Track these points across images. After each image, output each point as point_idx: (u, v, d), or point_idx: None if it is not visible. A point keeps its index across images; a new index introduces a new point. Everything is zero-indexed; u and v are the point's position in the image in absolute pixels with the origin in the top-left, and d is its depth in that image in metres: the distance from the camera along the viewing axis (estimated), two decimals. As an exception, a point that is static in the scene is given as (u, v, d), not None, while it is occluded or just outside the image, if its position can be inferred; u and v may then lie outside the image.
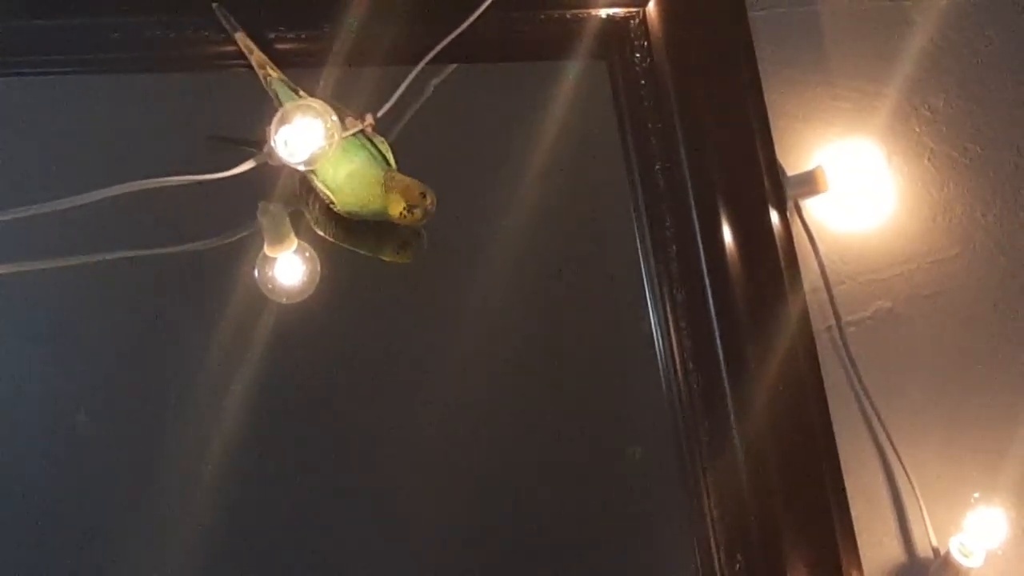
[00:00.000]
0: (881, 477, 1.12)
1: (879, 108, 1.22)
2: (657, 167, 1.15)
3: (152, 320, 1.13)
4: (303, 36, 1.16)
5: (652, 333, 1.13)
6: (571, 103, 1.18)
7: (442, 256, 1.15)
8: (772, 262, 1.12)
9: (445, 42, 1.15)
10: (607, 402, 1.13)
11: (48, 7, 1.15)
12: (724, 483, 1.07)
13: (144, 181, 1.07)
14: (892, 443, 1.12)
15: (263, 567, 1.06)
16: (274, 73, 1.12)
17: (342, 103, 1.11)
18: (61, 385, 1.10)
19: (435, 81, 1.18)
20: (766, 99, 1.17)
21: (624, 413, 1.13)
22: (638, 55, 1.18)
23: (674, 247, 1.13)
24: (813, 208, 1.18)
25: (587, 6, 1.18)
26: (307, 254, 1.11)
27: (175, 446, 1.07)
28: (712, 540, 1.06)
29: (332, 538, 1.07)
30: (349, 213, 1.11)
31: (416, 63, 1.15)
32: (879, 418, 1.13)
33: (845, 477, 1.07)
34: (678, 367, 1.11)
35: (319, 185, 1.10)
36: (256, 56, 1.13)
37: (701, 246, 1.12)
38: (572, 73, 1.19)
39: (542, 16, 1.18)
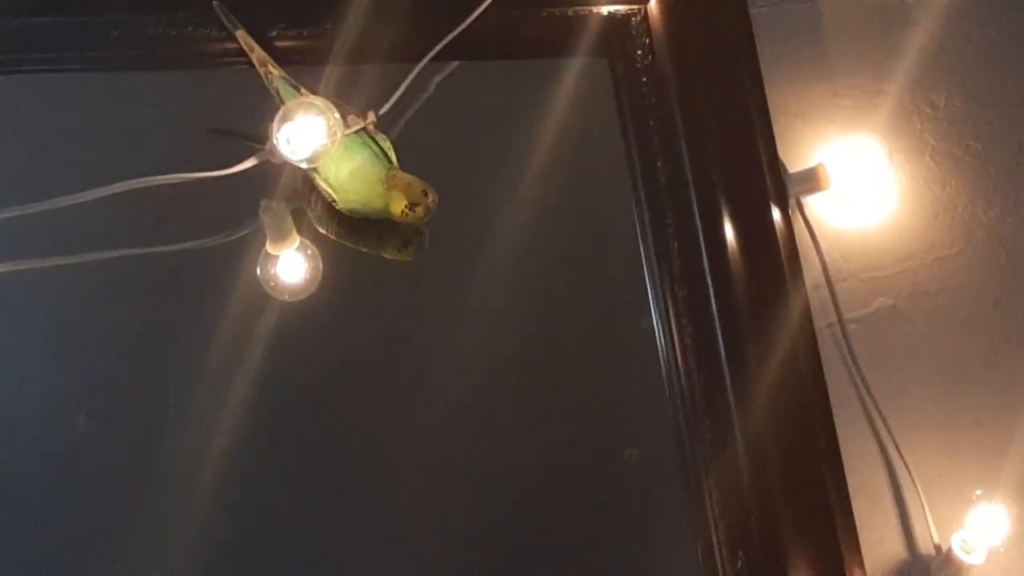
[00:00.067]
0: (883, 474, 1.12)
1: (880, 105, 1.22)
2: (659, 164, 1.15)
3: (153, 318, 1.13)
4: (304, 34, 1.16)
5: (653, 331, 1.13)
6: (572, 101, 1.18)
7: (444, 253, 1.15)
8: (774, 259, 1.12)
9: (447, 40, 1.15)
10: (608, 400, 1.13)
11: (49, 5, 1.15)
12: (726, 481, 1.07)
13: (146, 179, 1.07)
14: (894, 440, 1.12)
15: (263, 567, 1.06)
16: (275, 71, 1.12)
17: (343, 101, 1.11)
18: (61, 385, 1.10)
19: (437, 79, 1.18)
20: (768, 96, 1.17)
21: (625, 411, 1.14)
22: (639, 52, 1.18)
23: (675, 245, 1.13)
24: (815, 205, 1.18)
25: (589, 3, 1.18)
26: (309, 252, 1.10)
27: (175, 446, 1.07)
28: (714, 538, 1.06)
29: (332, 538, 1.07)
30: (351, 211, 1.11)
31: (418, 61, 1.15)
32: (881, 415, 1.13)
33: (847, 474, 1.07)
34: (679, 365, 1.11)
35: (321, 183, 1.10)
36: (257, 54, 1.13)
37: (703, 244, 1.12)
38: (573, 70, 1.19)
39: (544, 13, 1.18)
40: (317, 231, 1.13)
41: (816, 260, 1.16)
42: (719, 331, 1.10)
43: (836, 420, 1.09)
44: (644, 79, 1.17)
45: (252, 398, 1.08)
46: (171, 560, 1.04)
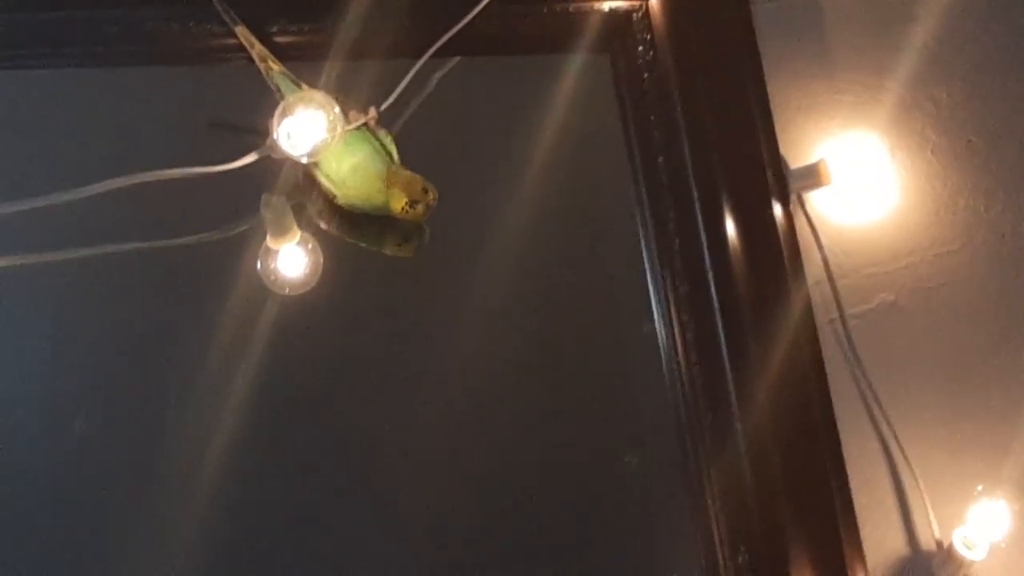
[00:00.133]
0: (884, 470, 1.12)
1: (882, 101, 1.22)
2: (660, 160, 1.15)
3: (153, 314, 1.12)
4: (305, 30, 1.16)
5: (655, 327, 1.13)
6: (574, 97, 1.18)
7: (445, 249, 1.15)
8: (775, 255, 1.12)
9: (448, 35, 1.15)
10: (609, 397, 1.13)
11: (49, 0, 1.14)
12: (727, 477, 1.07)
13: (146, 174, 1.07)
14: (895, 436, 1.12)
15: (263, 567, 1.06)
16: (275, 67, 1.12)
17: (344, 97, 1.11)
18: (62, 381, 1.10)
19: (438, 75, 1.18)
20: (769, 92, 1.17)
21: (627, 408, 1.13)
22: (641, 48, 1.18)
23: (677, 241, 1.13)
24: (816, 201, 1.18)
25: (590, -1, 1.19)
26: (310, 246, 1.10)
27: (175, 444, 1.07)
28: (715, 534, 1.06)
29: (332, 538, 1.07)
30: (351, 207, 1.11)
31: (418, 57, 1.15)
32: (882, 411, 1.13)
33: (848, 470, 1.07)
34: (681, 361, 1.11)
35: (322, 179, 1.10)
36: (257, 49, 1.13)
37: (704, 240, 1.12)
38: (575, 67, 1.19)
39: (545, 10, 1.18)
40: (318, 226, 1.13)
41: (817, 256, 1.16)
42: (720, 327, 1.10)
43: (837, 416, 1.09)
44: (645, 75, 1.17)
45: (252, 395, 1.08)
46: (171, 560, 1.04)
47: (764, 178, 1.14)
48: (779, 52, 1.21)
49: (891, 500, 1.11)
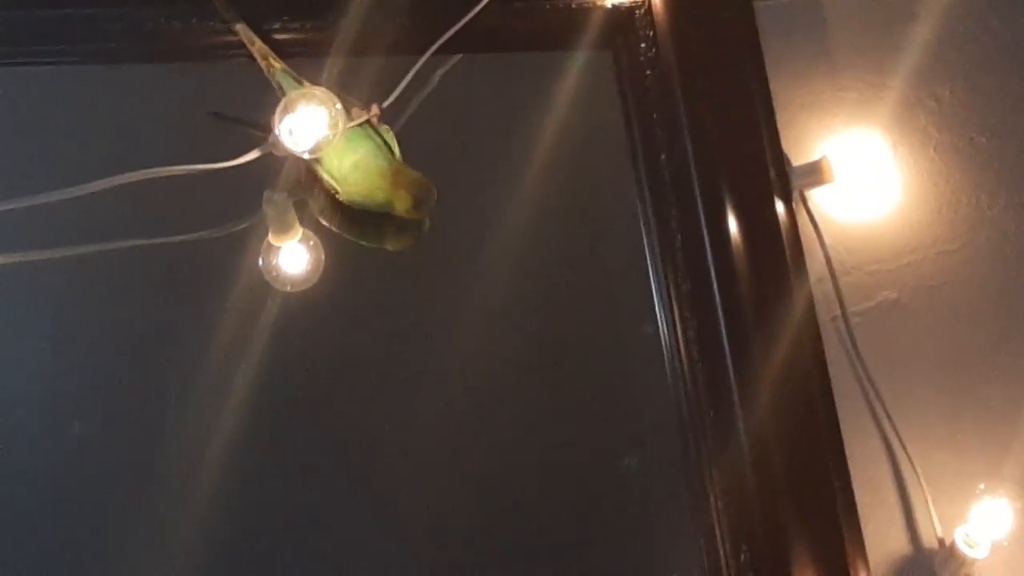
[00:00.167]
0: (886, 468, 1.12)
1: (884, 99, 1.22)
2: (662, 158, 1.15)
3: (154, 312, 1.12)
4: (307, 26, 1.16)
5: (657, 324, 1.13)
6: (576, 93, 1.18)
7: (446, 247, 1.15)
8: (777, 253, 1.12)
9: (450, 32, 1.15)
10: (611, 395, 1.13)
11: (50, -3, 1.15)
12: (729, 475, 1.07)
13: (148, 171, 1.07)
14: (897, 434, 1.12)
15: (263, 567, 1.06)
16: (277, 64, 1.12)
17: (346, 94, 1.11)
18: (62, 381, 1.10)
19: (440, 71, 1.18)
20: (771, 90, 1.16)
21: (629, 406, 1.13)
22: (643, 45, 1.17)
23: (679, 238, 1.13)
24: (818, 199, 1.18)
25: (592, -4, 1.18)
26: (311, 243, 1.10)
27: (175, 443, 1.07)
28: (717, 532, 1.06)
29: (332, 538, 1.06)
30: (353, 203, 1.11)
31: (420, 54, 1.15)
32: (884, 409, 1.13)
33: (850, 468, 1.07)
34: (683, 358, 1.11)
35: (324, 175, 1.10)
36: (258, 47, 1.13)
37: (706, 237, 1.12)
38: (577, 63, 1.19)
39: (547, 6, 1.18)
40: (319, 222, 1.13)
41: (820, 253, 1.16)
42: (723, 325, 1.10)
43: (840, 414, 1.09)
44: (648, 72, 1.17)
45: (253, 393, 1.08)
46: (171, 560, 1.03)
47: (766, 176, 1.14)
48: (781, 50, 1.21)
49: (893, 498, 1.11)
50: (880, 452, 1.12)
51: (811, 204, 1.17)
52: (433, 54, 1.15)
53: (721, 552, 1.06)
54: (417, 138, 1.13)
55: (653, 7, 1.17)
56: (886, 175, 1.20)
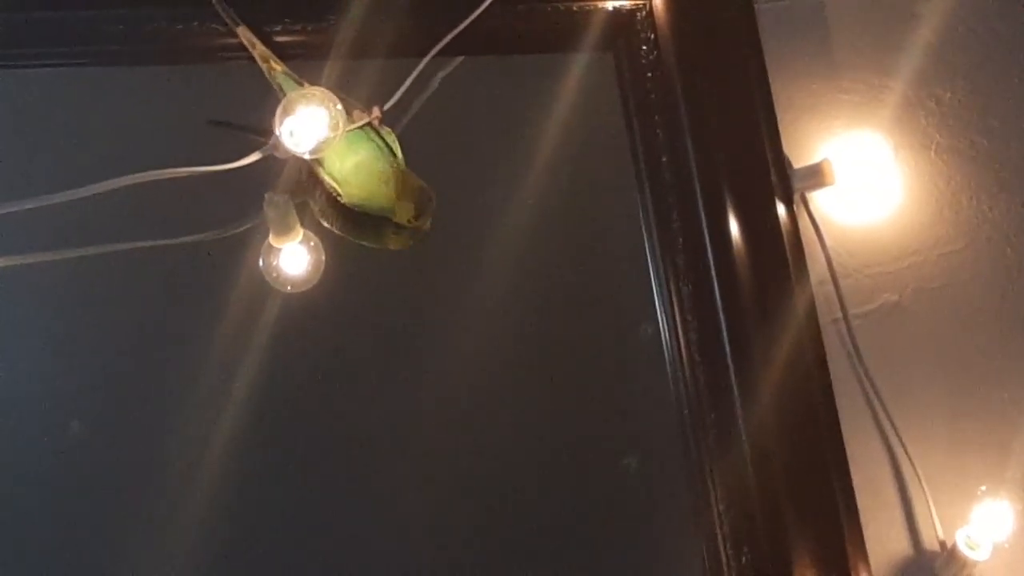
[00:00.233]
0: (887, 470, 1.12)
1: (885, 101, 1.22)
2: (663, 160, 1.15)
3: (155, 312, 1.12)
4: (308, 28, 1.16)
5: (658, 325, 1.13)
6: (577, 96, 1.18)
7: (448, 248, 1.15)
8: (778, 255, 1.12)
9: (452, 35, 1.15)
10: (612, 396, 1.13)
11: (51, 0, 1.14)
12: (730, 477, 1.07)
13: (149, 173, 1.07)
14: (899, 436, 1.12)
15: (263, 567, 1.06)
16: (278, 67, 1.12)
17: (347, 96, 1.11)
18: (62, 381, 1.10)
19: (441, 74, 1.17)
20: (772, 92, 1.16)
21: (629, 407, 1.13)
22: (644, 47, 1.17)
23: (680, 240, 1.13)
24: (820, 201, 1.18)
25: (593, -2, 1.18)
26: (312, 243, 1.10)
27: (176, 443, 1.07)
28: (718, 534, 1.06)
29: (332, 537, 1.06)
30: (355, 206, 1.11)
31: (421, 56, 1.15)
32: (885, 411, 1.13)
33: (851, 470, 1.07)
34: (684, 360, 1.11)
35: (326, 177, 1.10)
36: (259, 50, 1.13)
37: (707, 239, 1.12)
38: (578, 65, 1.19)
39: (548, 8, 1.18)
40: (320, 224, 1.13)
41: (821, 256, 1.16)
42: (724, 327, 1.10)
43: (841, 416, 1.09)
44: (649, 74, 1.17)
45: (253, 393, 1.08)
46: (171, 560, 1.03)
47: (768, 178, 1.14)
48: (782, 52, 1.21)
49: (894, 500, 1.11)
50: (881, 454, 1.12)
51: (812, 206, 1.17)
52: (434, 56, 1.15)
53: (722, 553, 1.06)
54: (418, 140, 1.13)
55: (654, 9, 1.17)
56: (887, 177, 1.19)
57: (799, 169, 1.16)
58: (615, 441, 1.11)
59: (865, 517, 1.06)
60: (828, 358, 1.10)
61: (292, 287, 1.10)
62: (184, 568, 1.03)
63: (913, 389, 1.14)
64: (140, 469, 1.06)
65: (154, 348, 1.11)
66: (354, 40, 1.15)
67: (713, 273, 1.11)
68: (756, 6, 1.19)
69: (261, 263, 1.09)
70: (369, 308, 1.14)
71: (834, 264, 1.16)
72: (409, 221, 1.10)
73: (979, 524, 1.07)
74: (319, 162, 1.09)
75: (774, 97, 1.17)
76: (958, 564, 1.07)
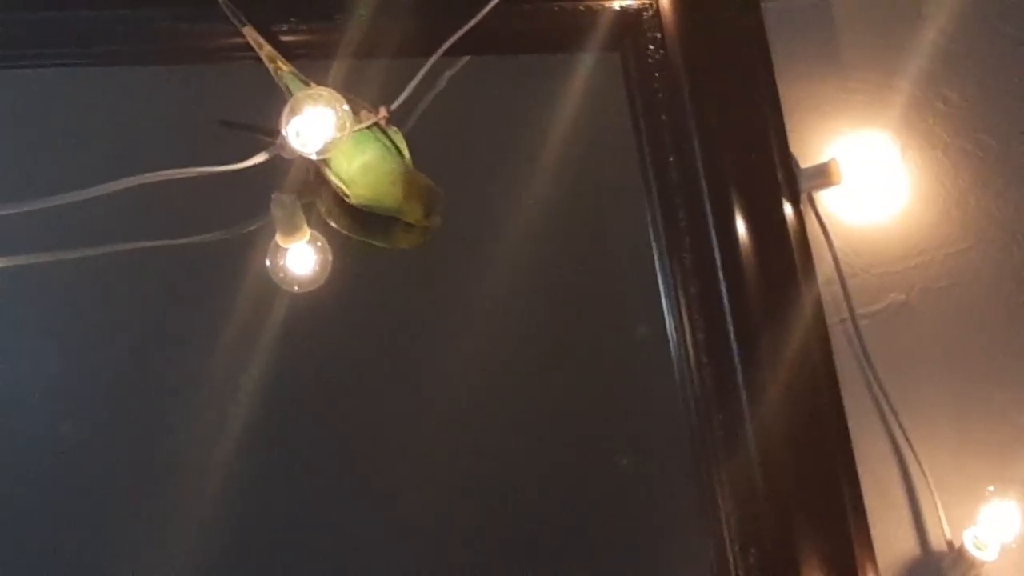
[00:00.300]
0: (895, 470, 1.12)
1: (893, 100, 1.22)
2: (670, 159, 1.15)
3: (162, 312, 1.12)
4: (315, 28, 1.16)
5: (665, 326, 1.13)
6: (584, 95, 1.18)
7: (454, 248, 1.15)
8: (786, 255, 1.12)
9: (459, 34, 1.14)
10: (619, 397, 1.13)
11: (57, 0, 1.14)
12: (737, 477, 1.07)
13: (156, 173, 1.07)
14: (906, 436, 1.12)
15: (265, 567, 1.06)
16: (284, 67, 1.12)
17: (354, 96, 1.11)
18: (67, 381, 1.10)
19: (448, 73, 1.17)
20: (779, 91, 1.16)
21: (637, 407, 1.13)
22: (651, 47, 1.17)
23: (687, 240, 1.13)
24: (827, 200, 1.18)
25: (600, -2, 1.18)
26: (319, 243, 1.11)
27: (182, 442, 1.07)
28: (725, 534, 1.06)
29: (334, 537, 1.06)
30: (363, 206, 1.11)
31: (428, 56, 1.15)
32: (893, 411, 1.13)
33: (859, 470, 1.07)
34: (691, 360, 1.11)
35: (332, 178, 1.10)
36: (266, 50, 1.12)
37: (715, 239, 1.12)
38: (585, 65, 1.19)
39: (555, 8, 1.18)
40: (327, 224, 1.13)
41: (828, 255, 1.16)
42: (731, 327, 1.10)
43: (848, 416, 1.09)
44: (656, 74, 1.17)
45: (260, 393, 1.08)
46: (172, 560, 1.03)
47: (775, 177, 1.14)
48: (789, 51, 1.21)
49: (902, 500, 1.11)
50: (889, 454, 1.12)
51: (819, 206, 1.17)
52: (441, 56, 1.15)
53: (730, 554, 1.06)
54: (425, 140, 1.13)
55: (661, 9, 1.17)
56: (894, 177, 1.19)
57: (806, 169, 1.16)
58: (622, 442, 1.11)
59: (872, 517, 1.06)
60: (835, 358, 1.10)
61: (299, 287, 1.10)
62: (184, 568, 1.03)
63: (921, 389, 1.14)
64: (141, 469, 1.06)
65: (159, 348, 1.11)
66: (361, 40, 1.15)
67: (720, 273, 1.11)
68: (763, 6, 1.19)
69: (268, 263, 1.09)
70: (376, 308, 1.14)
71: (841, 264, 1.16)
72: (416, 221, 1.11)
73: (987, 524, 1.07)
74: (326, 162, 1.09)
75: (781, 97, 1.17)
76: (966, 564, 1.06)
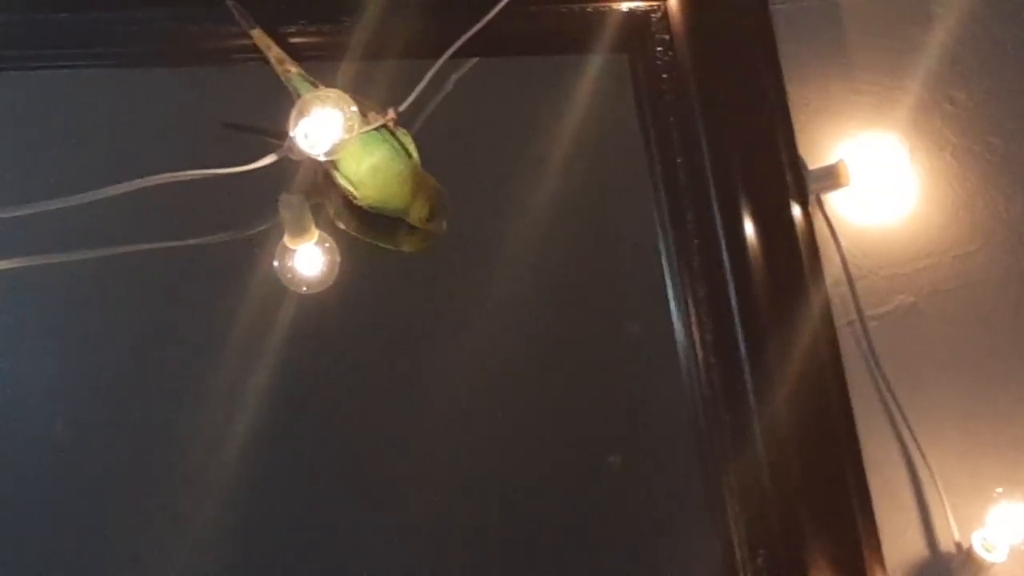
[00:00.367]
0: (903, 471, 1.12)
1: (901, 102, 1.22)
2: (678, 161, 1.15)
3: (170, 313, 1.13)
4: (324, 30, 1.16)
5: (673, 328, 1.13)
6: (592, 97, 1.18)
7: (462, 249, 1.15)
8: (794, 256, 1.12)
9: (467, 36, 1.15)
10: (628, 397, 1.13)
11: (66, 1, 1.15)
12: (745, 478, 1.07)
13: (166, 175, 1.07)
14: (914, 437, 1.12)
15: (266, 567, 1.06)
16: (293, 69, 1.12)
17: (362, 97, 1.11)
18: (73, 381, 1.10)
19: (456, 75, 1.17)
20: (787, 93, 1.17)
21: (645, 408, 1.13)
22: (659, 49, 1.18)
23: (695, 241, 1.13)
24: (835, 202, 1.18)
25: (608, 0, 1.18)
26: (327, 245, 1.11)
27: (189, 444, 1.07)
28: (734, 534, 1.06)
29: (337, 537, 1.07)
30: (371, 207, 1.11)
31: (436, 57, 1.15)
32: (901, 413, 1.13)
33: (867, 472, 1.07)
34: (699, 362, 1.11)
35: (341, 180, 1.10)
36: (274, 52, 1.13)
37: (723, 241, 1.12)
38: (593, 67, 1.19)
39: (563, 10, 1.18)
40: (334, 225, 1.13)
41: (836, 257, 1.16)
42: (739, 328, 1.10)
43: (856, 418, 1.09)
44: (664, 76, 1.17)
45: (268, 394, 1.08)
46: (172, 560, 1.04)
47: (783, 179, 1.14)
48: (797, 53, 1.21)
49: (910, 502, 1.11)
50: (897, 456, 1.12)
51: (827, 208, 1.17)
52: (449, 58, 1.15)
53: (738, 555, 1.06)
54: (433, 141, 1.13)
55: (669, 11, 1.18)
56: (902, 178, 1.19)
57: (814, 170, 1.16)
58: (630, 443, 1.11)
59: (881, 519, 1.06)
60: (843, 360, 1.10)
61: (307, 288, 1.10)
62: (185, 568, 1.04)
63: (929, 391, 1.14)
64: (141, 469, 1.07)
65: (166, 349, 1.11)
66: (369, 41, 1.15)
67: (728, 275, 1.11)
68: (771, 7, 1.19)
69: (276, 264, 1.10)
70: (384, 308, 1.15)
71: (849, 265, 1.16)
72: (420, 222, 1.11)
73: (995, 526, 1.07)
74: (334, 164, 1.09)
75: (789, 98, 1.17)
76: (974, 566, 1.06)
